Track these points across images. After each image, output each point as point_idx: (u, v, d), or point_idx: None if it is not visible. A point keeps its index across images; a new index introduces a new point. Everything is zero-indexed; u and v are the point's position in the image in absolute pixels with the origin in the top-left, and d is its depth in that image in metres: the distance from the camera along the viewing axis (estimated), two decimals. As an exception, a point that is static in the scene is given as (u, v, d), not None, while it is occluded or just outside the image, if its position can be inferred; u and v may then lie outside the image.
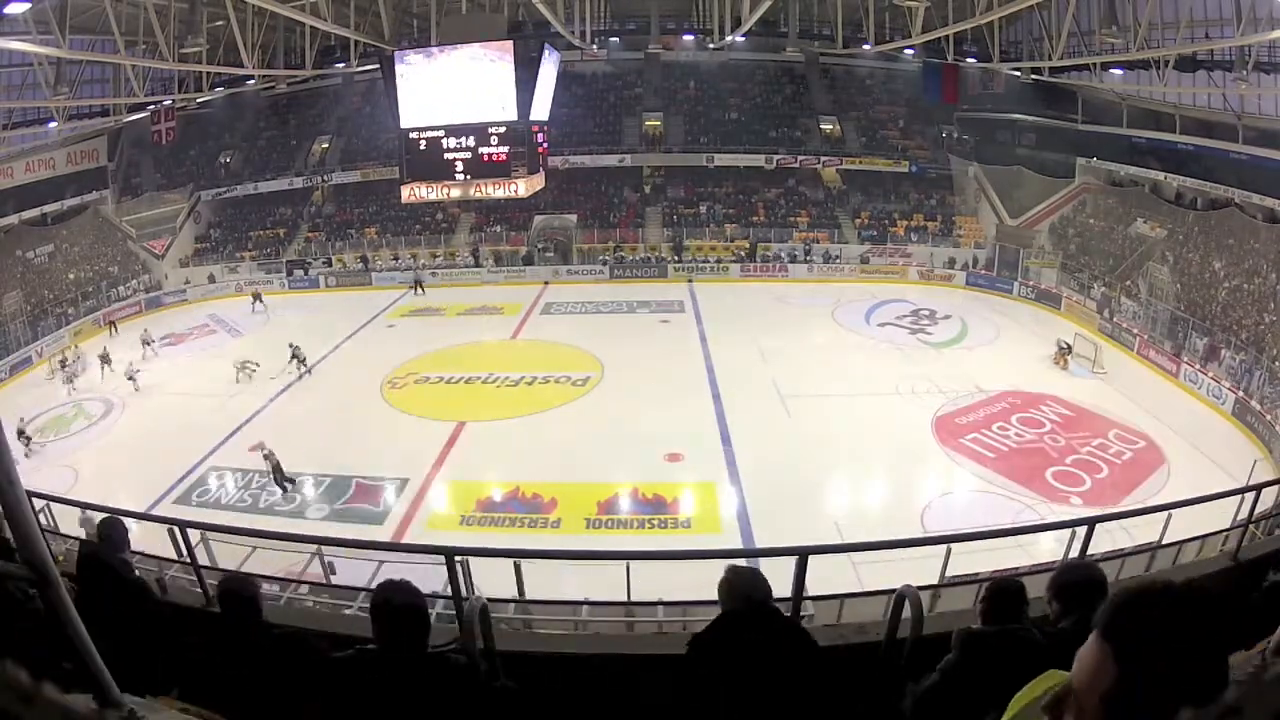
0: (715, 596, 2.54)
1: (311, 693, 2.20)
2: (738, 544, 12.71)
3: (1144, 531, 8.18)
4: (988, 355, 22.13)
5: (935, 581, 6.32)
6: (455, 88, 15.67)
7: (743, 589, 2.49)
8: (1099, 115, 28.88)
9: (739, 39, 29.03)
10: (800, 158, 33.87)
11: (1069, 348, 20.94)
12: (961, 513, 13.72)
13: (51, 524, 8.10)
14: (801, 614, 3.33)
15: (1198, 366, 19.66)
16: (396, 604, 2.17)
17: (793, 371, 20.44)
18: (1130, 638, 0.93)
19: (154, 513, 13.22)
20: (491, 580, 6.13)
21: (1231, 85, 20.75)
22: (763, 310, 26.51)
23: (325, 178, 34.98)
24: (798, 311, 26.60)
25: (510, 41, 15.63)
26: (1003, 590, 2.58)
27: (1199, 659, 0.91)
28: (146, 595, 3.07)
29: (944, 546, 6.79)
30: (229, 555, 7.01)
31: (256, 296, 28.98)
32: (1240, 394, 17.95)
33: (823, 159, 34.11)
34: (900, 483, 15.48)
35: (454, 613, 3.21)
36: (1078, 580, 2.59)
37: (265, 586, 5.17)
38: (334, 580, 7.71)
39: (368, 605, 2.31)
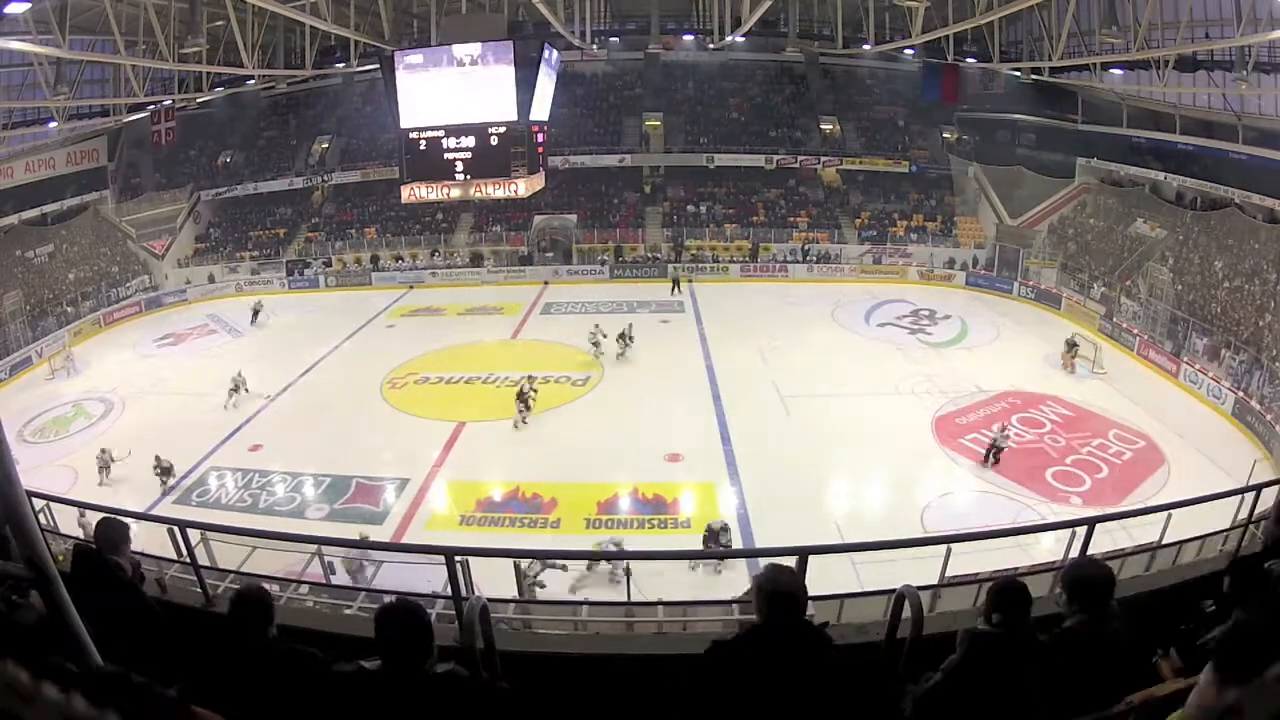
0: (714, 597, 2.54)
1: (313, 706, 2.21)
2: (738, 544, 12.70)
3: (1144, 531, 8.17)
4: (988, 355, 22.14)
5: (935, 581, 6.32)
6: (455, 88, 15.68)
7: (763, 597, 2.47)
8: (1099, 115, 28.87)
9: (739, 39, 29.01)
10: (800, 158, 33.88)
11: (1077, 346, 20.71)
12: (961, 513, 13.72)
13: (51, 524, 8.09)
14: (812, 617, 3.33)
15: (1198, 366, 19.66)
16: (400, 625, 2.18)
17: (793, 371, 20.44)
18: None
19: (154, 513, 13.23)
20: (491, 580, 6.13)
21: (1231, 85, 20.73)
22: (763, 310, 26.51)
23: (325, 178, 35.00)
24: (798, 311, 26.58)
25: (510, 41, 15.62)
26: (1007, 591, 2.58)
27: None
28: (140, 597, 3.07)
29: (944, 546, 6.79)
30: (229, 555, 7.00)
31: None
32: (1240, 394, 17.95)
33: (823, 159, 34.11)
34: (900, 483, 15.48)
35: (454, 613, 3.20)
36: (1088, 576, 2.62)
37: (265, 587, 5.17)
38: (334, 580, 7.72)
39: (369, 606, 2.31)
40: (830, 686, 2.40)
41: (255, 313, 27.10)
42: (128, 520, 3.58)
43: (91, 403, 20.66)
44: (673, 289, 29.10)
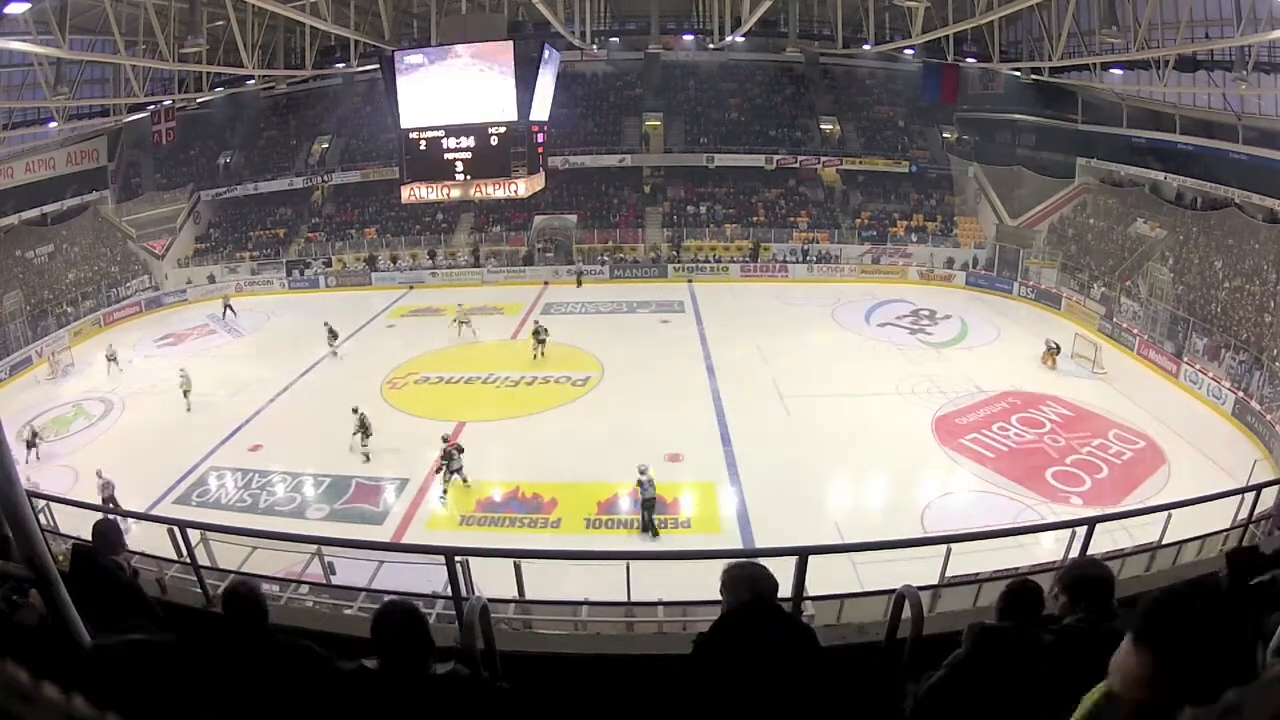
0: (714, 596, 2.53)
1: (314, 704, 2.20)
2: (738, 544, 12.71)
3: (1144, 531, 8.18)
4: (988, 355, 22.14)
5: (935, 581, 6.33)
6: (455, 88, 15.68)
7: (747, 582, 2.48)
8: (1099, 115, 28.88)
9: (739, 39, 29.01)
10: (800, 158, 33.88)
11: (1058, 347, 20.91)
12: (961, 513, 13.72)
13: (51, 524, 8.09)
14: (801, 614, 3.34)
15: (1198, 367, 19.66)
16: (396, 627, 2.18)
17: (793, 371, 20.44)
18: (1164, 639, 1.07)
19: (154, 513, 13.23)
20: (491, 580, 6.13)
21: (1231, 85, 20.74)
22: (763, 310, 26.51)
23: (325, 178, 34.99)
24: (798, 311, 26.59)
25: (510, 41, 15.62)
26: (1023, 590, 2.59)
27: (1224, 648, 1.01)
28: (140, 598, 3.07)
29: (944, 546, 6.80)
30: (229, 555, 7.01)
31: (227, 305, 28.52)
32: (1240, 394, 17.95)
33: (823, 159, 34.12)
34: (900, 483, 15.48)
35: (454, 613, 3.21)
36: (1088, 576, 2.62)
37: (265, 586, 5.17)
38: (334, 580, 7.71)
39: (369, 606, 2.31)
40: (816, 674, 2.40)
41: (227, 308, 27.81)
42: (128, 521, 3.58)
43: (91, 403, 20.66)
44: (578, 282, 29.99)
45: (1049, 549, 10.41)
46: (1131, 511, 11.46)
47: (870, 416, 17.80)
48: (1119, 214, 27.62)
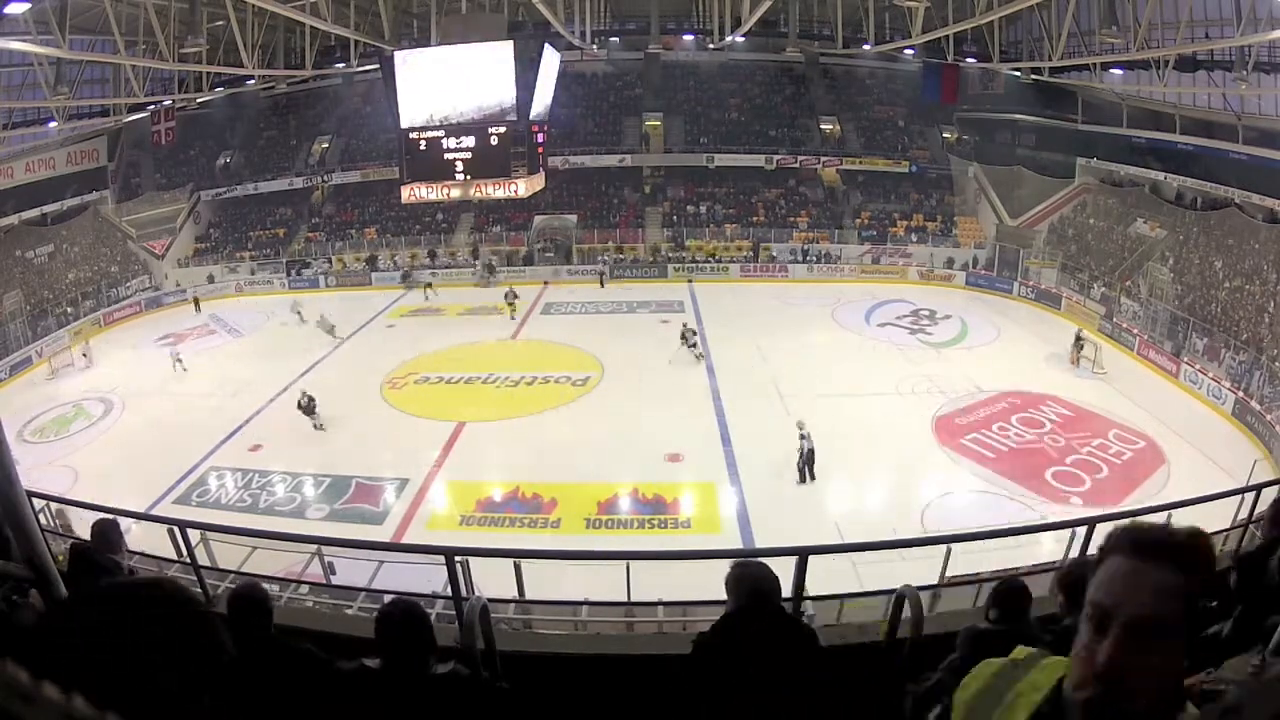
0: (714, 596, 2.53)
1: (315, 704, 2.21)
2: (738, 544, 12.70)
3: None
4: (988, 355, 22.12)
5: (935, 581, 6.33)
6: (455, 88, 15.69)
7: (750, 582, 2.49)
8: (1099, 115, 28.87)
9: (739, 39, 29.02)
10: (800, 158, 33.87)
11: (1084, 343, 20.79)
12: (961, 513, 13.71)
13: (51, 524, 8.09)
14: (801, 614, 3.34)
15: (1198, 367, 19.66)
16: (399, 626, 2.18)
17: (793, 371, 20.43)
18: None
19: (154, 513, 13.23)
20: (491, 580, 6.13)
21: (1231, 85, 20.74)
22: (763, 310, 26.51)
23: (325, 178, 34.98)
24: (798, 311, 26.58)
25: (510, 41, 15.64)
26: (1010, 590, 2.59)
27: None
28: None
29: (944, 546, 6.79)
30: (229, 555, 7.01)
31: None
32: (1240, 394, 17.95)
33: (823, 159, 34.11)
34: (900, 483, 15.47)
35: (454, 613, 3.21)
36: (1088, 576, 2.62)
37: (265, 586, 5.17)
38: (334, 580, 7.72)
39: (369, 606, 2.31)
40: (817, 675, 2.40)
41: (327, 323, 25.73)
42: (128, 521, 3.58)
43: (91, 403, 20.66)
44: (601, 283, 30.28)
45: (1049, 549, 10.40)
46: (1131, 511, 11.44)
47: (870, 416, 17.78)
48: (1119, 214, 27.61)
